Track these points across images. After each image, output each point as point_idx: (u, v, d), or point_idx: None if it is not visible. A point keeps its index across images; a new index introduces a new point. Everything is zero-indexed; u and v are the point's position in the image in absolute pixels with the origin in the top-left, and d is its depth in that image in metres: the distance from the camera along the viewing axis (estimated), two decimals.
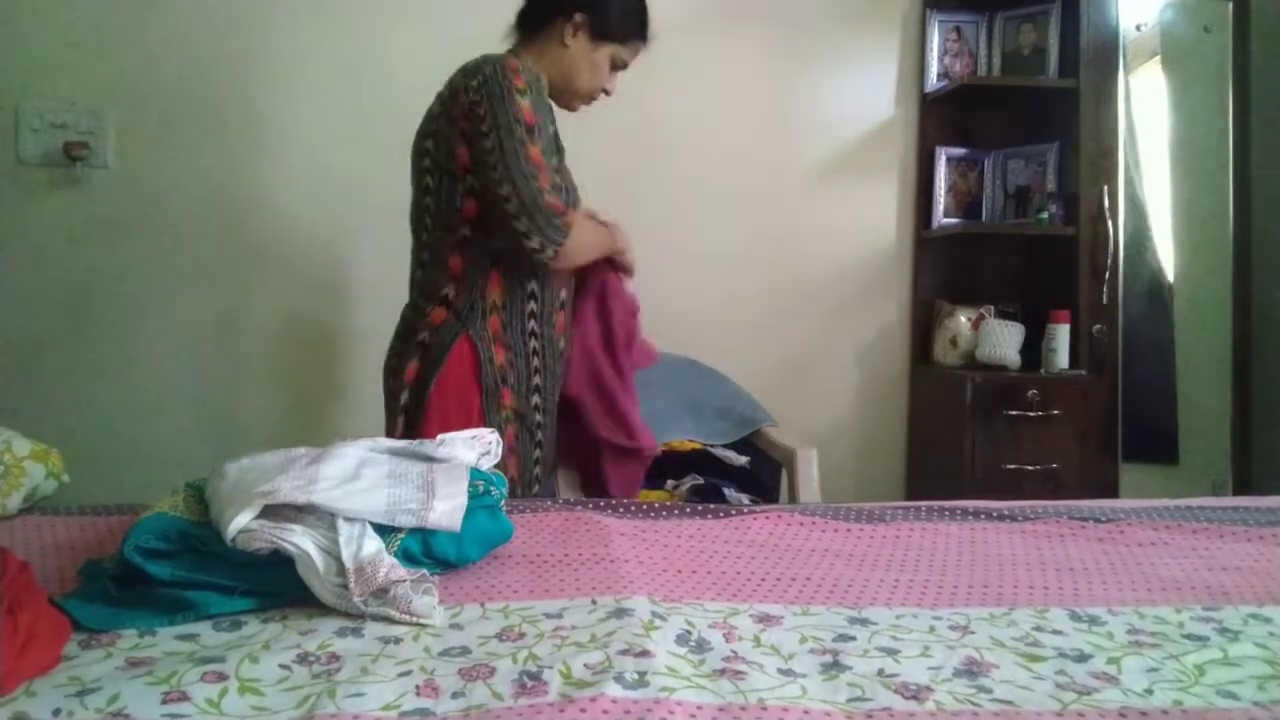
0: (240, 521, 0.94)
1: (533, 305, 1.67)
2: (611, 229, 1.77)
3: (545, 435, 1.72)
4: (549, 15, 1.69)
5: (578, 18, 1.67)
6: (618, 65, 1.74)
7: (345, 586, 0.92)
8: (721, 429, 2.57)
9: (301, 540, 0.94)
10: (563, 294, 1.74)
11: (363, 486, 1.02)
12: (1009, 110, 2.91)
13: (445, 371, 1.61)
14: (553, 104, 1.70)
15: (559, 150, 1.71)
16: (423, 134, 1.67)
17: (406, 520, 1.02)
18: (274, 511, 0.97)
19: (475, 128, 1.56)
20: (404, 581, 0.94)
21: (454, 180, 1.60)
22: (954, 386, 2.66)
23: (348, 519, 0.98)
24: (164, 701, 0.73)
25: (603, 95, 1.77)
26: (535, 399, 1.69)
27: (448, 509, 1.04)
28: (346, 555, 0.94)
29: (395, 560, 0.97)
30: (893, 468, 2.96)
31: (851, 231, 2.90)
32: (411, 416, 1.63)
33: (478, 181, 1.58)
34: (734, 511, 1.37)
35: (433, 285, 1.66)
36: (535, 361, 1.69)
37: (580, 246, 1.62)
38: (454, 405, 1.61)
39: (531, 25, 1.72)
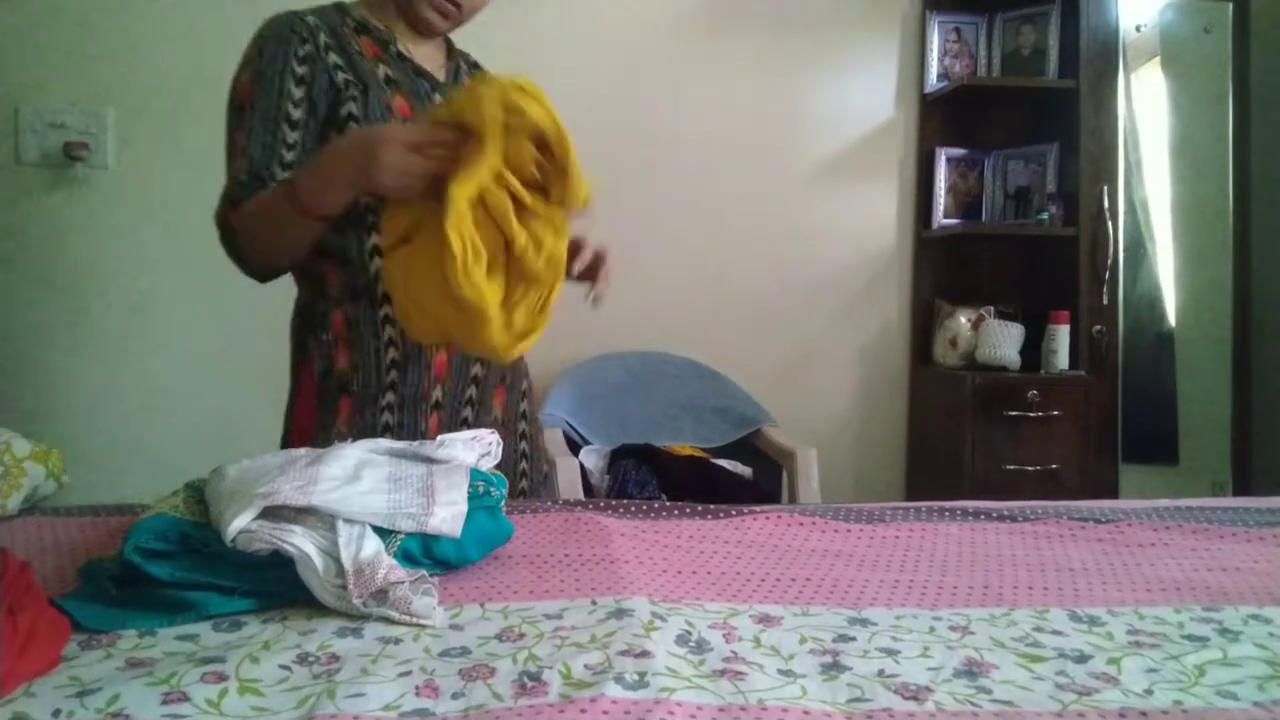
0: (240, 522, 0.94)
1: (383, 287, 1.39)
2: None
3: (405, 436, 1.44)
4: None
5: None
6: None
7: (345, 587, 0.92)
8: (721, 429, 2.57)
9: (301, 541, 0.94)
10: None
11: (363, 489, 1.02)
12: (1009, 111, 2.91)
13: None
14: (388, 38, 1.46)
15: (346, 99, 1.40)
16: None
17: (407, 524, 1.01)
18: (274, 512, 0.97)
19: None
20: (403, 582, 0.94)
21: None
22: (954, 386, 2.66)
23: (347, 520, 0.98)
24: (164, 702, 0.73)
25: (451, 5, 1.42)
26: (389, 397, 1.43)
27: (449, 515, 1.04)
28: (346, 556, 0.94)
29: (395, 561, 0.97)
30: (893, 468, 2.96)
31: (851, 232, 2.90)
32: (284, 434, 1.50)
33: None
34: (734, 512, 1.37)
35: (298, 291, 1.54)
36: (392, 354, 1.42)
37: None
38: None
39: None
